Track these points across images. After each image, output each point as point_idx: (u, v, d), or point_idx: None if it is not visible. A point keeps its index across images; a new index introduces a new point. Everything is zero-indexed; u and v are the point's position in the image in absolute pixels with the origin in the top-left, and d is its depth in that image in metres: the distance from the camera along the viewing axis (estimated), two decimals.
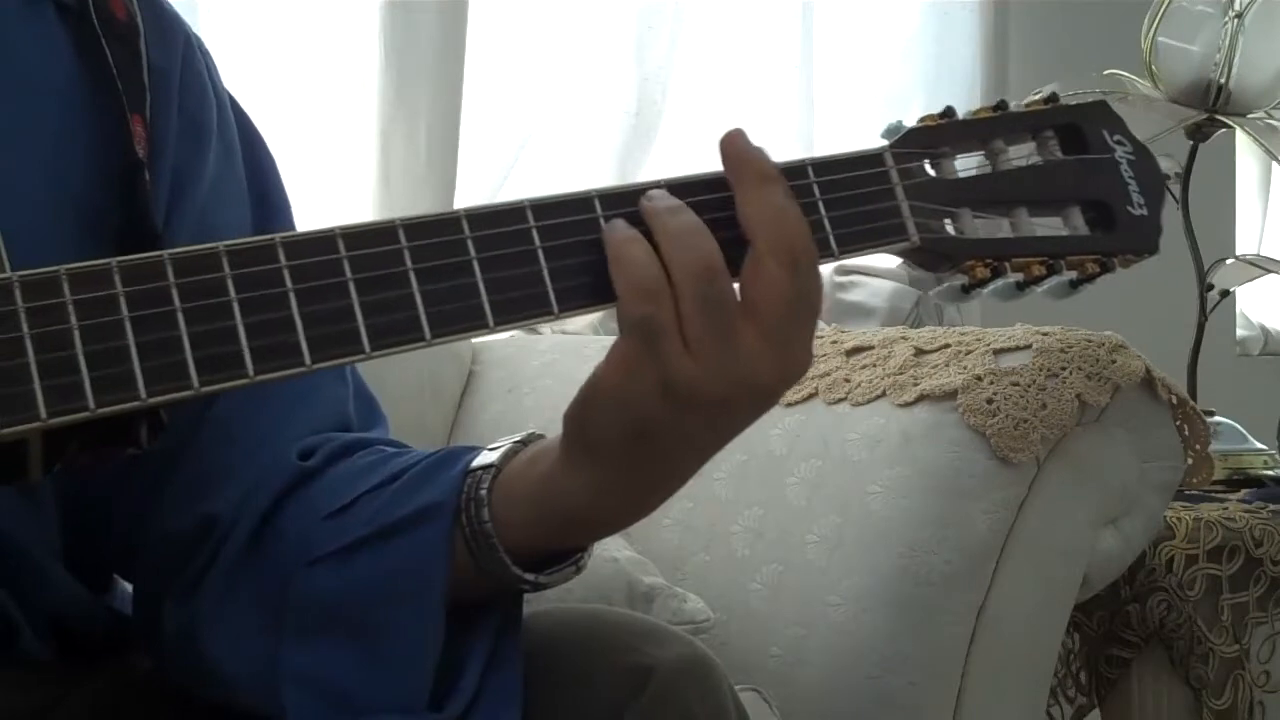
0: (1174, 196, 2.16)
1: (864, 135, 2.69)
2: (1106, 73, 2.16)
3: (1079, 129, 0.86)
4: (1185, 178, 2.16)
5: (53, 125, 0.83)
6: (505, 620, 0.81)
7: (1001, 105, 0.85)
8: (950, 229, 0.81)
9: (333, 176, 2.10)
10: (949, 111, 0.84)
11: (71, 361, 0.65)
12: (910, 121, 0.83)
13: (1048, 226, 0.84)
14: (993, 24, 2.77)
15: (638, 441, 0.73)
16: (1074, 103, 0.87)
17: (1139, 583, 1.73)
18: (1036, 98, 0.87)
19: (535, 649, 0.81)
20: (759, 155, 0.74)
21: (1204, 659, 1.71)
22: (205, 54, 0.92)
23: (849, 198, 0.79)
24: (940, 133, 0.83)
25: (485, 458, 0.80)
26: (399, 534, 0.79)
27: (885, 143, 0.82)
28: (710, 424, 0.74)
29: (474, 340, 2.04)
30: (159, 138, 0.85)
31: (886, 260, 2.50)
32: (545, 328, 2.14)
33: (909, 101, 2.72)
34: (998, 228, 0.82)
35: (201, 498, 0.85)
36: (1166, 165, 2.13)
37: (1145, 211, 0.85)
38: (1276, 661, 1.79)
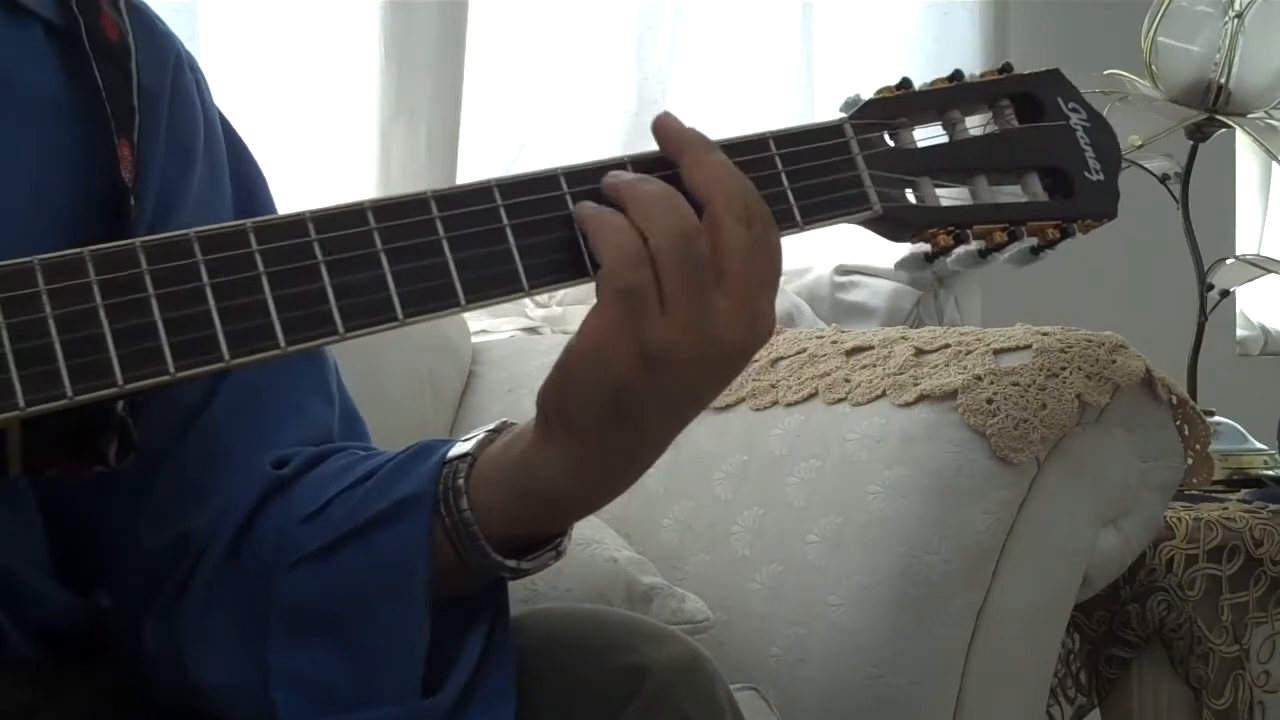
0: (1174, 196, 2.16)
1: None
2: (1106, 73, 2.16)
3: (1034, 97, 0.87)
4: (1185, 178, 2.16)
5: (38, 143, 0.82)
6: (496, 613, 0.81)
7: (957, 75, 0.87)
8: (911, 198, 0.83)
9: (333, 176, 2.10)
10: (905, 83, 0.85)
11: (48, 350, 0.65)
12: (867, 94, 0.84)
13: (1007, 194, 0.85)
14: (993, 24, 2.76)
15: (613, 408, 0.74)
16: (1027, 72, 0.88)
17: (1139, 583, 1.73)
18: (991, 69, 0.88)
19: (532, 649, 0.82)
20: (693, 129, 0.77)
21: (1204, 659, 1.71)
22: (196, 71, 0.92)
23: (811, 169, 0.80)
24: (898, 104, 0.84)
25: (460, 448, 0.80)
26: (378, 528, 0.79)
27: (844, 115, 0.83)
28: (684, 387, 0.75)
29: (474, 340, 2.05)
30: (145, 160, 0.85)
31: (886, 260, 2.50)
32: (545, 328, 2.14)
33: None
34: (958, 196, 0.84)
35: (179, 515, 0.84)
36: (1166, 165, 2.14)
37: (1102, 177, 0.86)
38: (1276, 661, 1.79)
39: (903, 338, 1.60)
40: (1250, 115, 2.12)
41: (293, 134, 2.05)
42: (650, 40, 2.39)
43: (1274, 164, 3.10)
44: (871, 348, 1.61)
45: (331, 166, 2.10)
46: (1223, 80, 2.10)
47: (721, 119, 2.49)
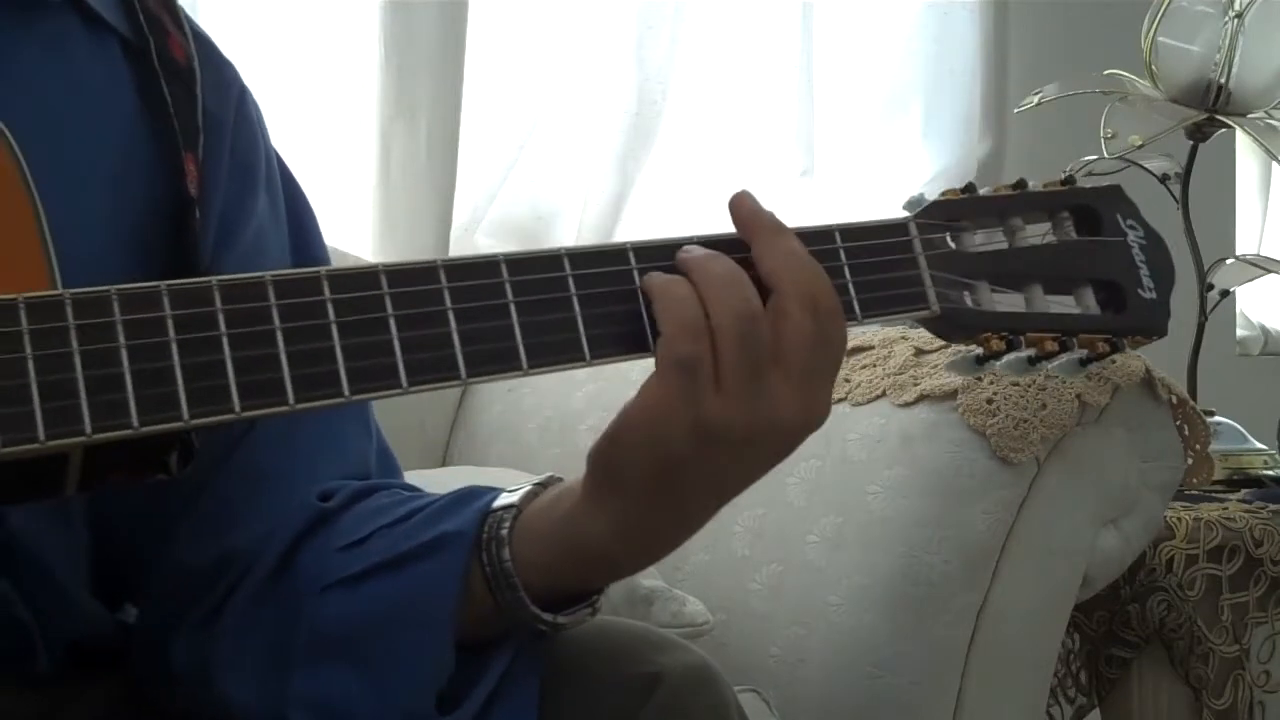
0: (1174, 196, 2.16)
1: (864, 135, 2.69)
2: (1106, 73, 2.16)
3: (1094, 211, 0.88)
4: (1185, 178, 2.16)
5: (115, 155, 0.84)
6: (528, 636, 0.82)
7: (1021, 184, 0.88)
8: (969, 301, 0.84)
9: (333, 175, 2.10)
10: (970, 187, 0.87)
11: (118, 379, 0.66)
12: (932, 195, 0.85)
13: (1061, 304, 0.86)
14: (993, 24, 2.77)
15: (664, 479, 0.75)
16: (1090, 185, 0.90)
17: (1139, 583, 1.73)
18: (1056, 180, 0.90)
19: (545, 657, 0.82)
20: (769, 212, 0.78)
21: (1204, 659, 1.71)
22: (257, 107, 0.94)
23: (874, 264, 0.81)
24: (961, 207, 0.85)
25: (506, 498, 0.81)
26: (414, 561, 0.80)
27: (908, 214, 0.84)
28: (735, 464, 0.76)
29: None
30: (210, 178, 0.87)
31: None
32: None
33: (909, 101, 2.72)
34: (1013, 303, 0.85)
35: (222, 534, 0.85)
36: (1166, 165, 2.14)
37: (1155, 295, 0.88)
38: (1276, 661, 1.79)
39: (903, 338, 1.60)
40: (1250, 115, 2.12)
41: (293, 134, 2.05)
42: (650, 40, 2.39)
43: (1274, 164, 3.10)
44: (871, 348, 1.61)
45: (331, 166, 2.10)
46: (1223, 80, 2.10)
47: (721, 119, 2.50)
